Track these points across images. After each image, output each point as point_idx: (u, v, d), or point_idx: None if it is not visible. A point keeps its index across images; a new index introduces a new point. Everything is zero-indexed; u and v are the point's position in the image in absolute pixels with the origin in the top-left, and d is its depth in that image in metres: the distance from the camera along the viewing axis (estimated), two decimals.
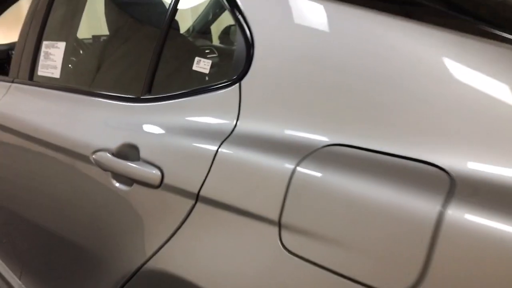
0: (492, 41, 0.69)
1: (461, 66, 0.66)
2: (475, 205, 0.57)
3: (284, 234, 0.72)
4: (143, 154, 0.99)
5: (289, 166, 0.73)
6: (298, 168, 0.72)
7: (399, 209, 0.61)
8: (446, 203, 0.58)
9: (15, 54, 1.69)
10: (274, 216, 0.73)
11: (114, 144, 1.06)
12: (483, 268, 0.54)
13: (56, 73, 1.46)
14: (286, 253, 0.71)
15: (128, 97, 1.14)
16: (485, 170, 0.60)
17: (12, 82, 1.64)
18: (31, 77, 1.55)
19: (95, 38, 1.95)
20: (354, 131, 0.72)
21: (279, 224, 0.73)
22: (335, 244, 0.66)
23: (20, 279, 1.76)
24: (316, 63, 0.79)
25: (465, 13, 0.82)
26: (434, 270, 0.57)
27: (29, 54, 1.56)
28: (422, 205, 0.59)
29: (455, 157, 0.62)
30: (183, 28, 1.53)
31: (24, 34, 1.64)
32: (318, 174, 0.70)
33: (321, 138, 0.75)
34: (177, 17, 1.17)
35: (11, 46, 2.52)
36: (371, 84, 0.72)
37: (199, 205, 0.86)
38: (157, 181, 0.93)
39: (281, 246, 0.72)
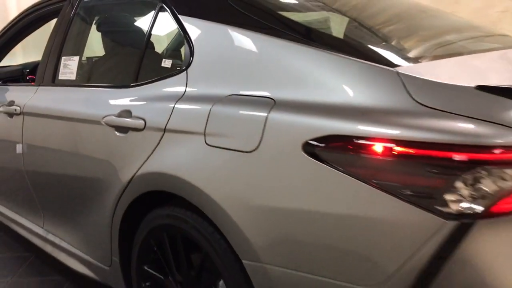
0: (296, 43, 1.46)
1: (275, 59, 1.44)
2: (283, 111, 1.33)
3: (208, 137, 1.48)
4: (133, 114, 1.75)
5: (209, 106, 1.50)
6: (213, 107, 1.49)
7: (251, 113, 1.38)
8: (270, 110, 1.35)
9: (39, 68, 2.44)
10: (202, 129, 1.49)
11: (116, 111, 1.81)
12: (294, 143, 1.31)
13: (72, 76, 2.23)
14: (208, 146, 1.47)
15: (123, 85, 1.90)
16: (287, 97, 1.38)
17: (39, 86, 2.39)
18: (53, 81, 2.31)
19: (91, 58, 2.73)
20: (239, 88, 1.50)
21: (204, 133, 1.49)
22: (230, 137, 1.42)
23: (43, 227, 2.47)
24: (224, 58, 1.58)
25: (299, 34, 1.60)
26: (267, 137, 1.33)
27: (52, 66, 2.32)
28: (259, 111, 1.36)
29: (275, 92, 1.40)
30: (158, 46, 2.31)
31: (46, 54, 2.40)
32: (223, 108, 1.47)
33: (225, 92, 1.52)
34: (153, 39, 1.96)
35: (24, 66, 3.28)
36: (246, 66, 1.51)
37: (166, 134, 1.62)
38: (142, 126, 1.69)
39: (205, 144, 1.48)
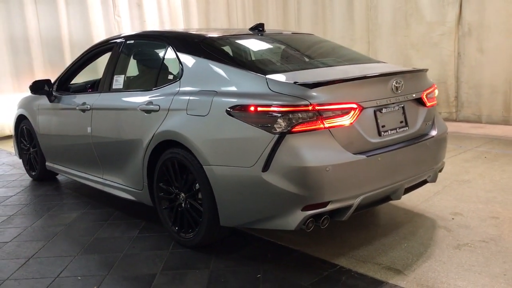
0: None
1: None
2: (219, 96, 2.97)
3: (188, 111, 3.12)
4: (153, 103, 3.41)
5: (189, 97, 3.15)
6: (191, 97, 3.14)
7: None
8: (214, 96, 2.99)
9: (101, 82, 4.16)
10: (185, 107, 3.14)
11: (145, 102, 3.48)
12: None
13: (121, 86, 3.93)
14: (188, 115, 3.11)
15: (148, 89, 3.58)
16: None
17: (101, 92, 4.11)
18: (109, 89, 4.02)
19: (130, 76, 4.44)
20: (203, 87, 3.15)
21: (186, 109, 3.13)
22: (197, 109, 3.07)
23: (102, 177, 4.16)
24: (197, 73, 3.24)
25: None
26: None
27: (109, 80, 4.03)
28: (209, 97, 3.00)
29: (217, 88, 3.04)
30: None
31: (105, 73, 4.12)
32: (195, 97, 3.12)
33: (196, 89, 3.16)
34: (164, 64, 3.65)
35: (87, 83, 5.02)
36: (206, 77, 3.16)
37: (169, 112, 3.26)
38: (158, 109, 3.35)
39: (187, 114, 3.13)
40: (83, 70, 4.73)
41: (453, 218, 3.61)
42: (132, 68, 4.14)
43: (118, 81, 3.98)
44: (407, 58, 7.68)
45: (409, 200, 3.95)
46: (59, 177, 5.38)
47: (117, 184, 3.94)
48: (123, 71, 4.04)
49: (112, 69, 4.06)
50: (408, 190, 3.27)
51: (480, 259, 2.95)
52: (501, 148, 5.82)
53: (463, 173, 4.79)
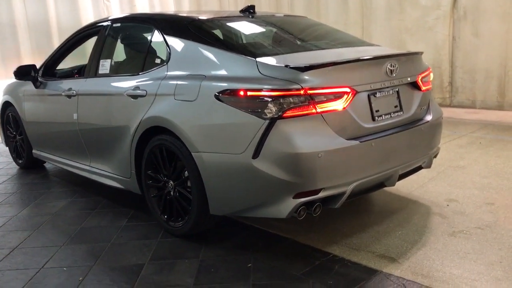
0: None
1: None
2: (208, 81, 2.86)
3: (175, 96, 3.01)
4: (140, 88, 3.30)
5: (176, 81, 3.04)
6: (178, 81, 3.03)
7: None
8: (202, 80, 2.88)
9: (87, 67, 4.03)
10: (172, 92, 3.03)
11: (132, 87, 3.37)
12: None
13: (107, 71, 3.80)
14: (176, 100, 3.00)
15: (135, 74, 3.46)
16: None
17: (87, 78, 3.98)
18: (95, 74, 3.89)
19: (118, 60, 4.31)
20: (191, 71, 3.03)
21: (174, 94, 3.02)
22: (184, 94, 2.96)
23: (89, 164, 4.05)
24: (185, 56, 3.12)
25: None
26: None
27: (95, 65, 3.90)
28: (198, 81, 2.89)
29: (206, 72, 2.93)
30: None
31: (91, 58, 3.98)
32: (183, 82, 3.01)
33: (184, 73, 3.05)
34: (151, 47, 3.52)
35: (74, 68, 4.88)
36: (194, 60, 3.04)
37: (156, 97, 3.15)
38: (145, 94, 3.23)
39: (174, 99, 3.02)
40: (72, 55, 4.59)
41: (448, 205, 3.55)
42: (119, 52, 4.02)
43: (105, 65, 3.85)
44: (401, 43, 7.57)
45: (403, 186, 3.88)
46: (47, 165, 5.27)
47: (104, 172, 3.83)
48: (110, 55, 3.92)
49: (98, 53, 3.93)
50: (402, 176, 3.20)
51: (475, 246, 2.89)
52: (495, 133, 5.75)
53: (458, 159, 4.72)
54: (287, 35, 3.64)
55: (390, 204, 3.64)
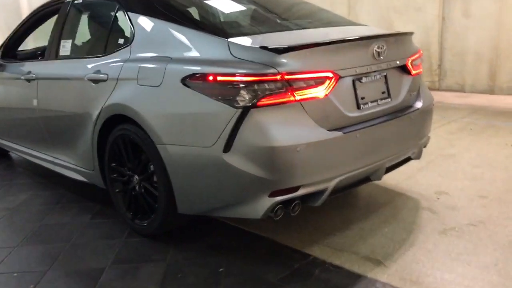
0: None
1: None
2: (174, 63, 2.53)
3: (138, 81, 2.69)
4: (101, 71, 2.97)
5: (139, 63, 2.71)
6: (142, 64, 2.70)
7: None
8: (168, 63, 2.56)
9: (47, 48, 3.66)
10: (135, 76, 2.70)
11: (92, 71, 3.03)
12: None
13: (68, 53, 3.45)
14: (139, 86, 2.68)
15: (97, 56, 3.12)
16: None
17: (47, 60, 3.62)
18: (56, 56, 3.53)
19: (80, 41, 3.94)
20: (156, 53, 2.70)
21: (137, 79, 2.70)
22: (148, 79, 2.64)
23: (52, 155, 3.71)
24: (149, 37, 2.79)
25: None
26: None
27: (55, 46, 3.54)
28: (162, 64, 2.57)
29: (172, 54, 2.60)
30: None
31: (51, 39, 3.62)
32: (146, 64, 2.68)
33: (149, 55, 2.72)
34: (114, 26, 3.17)
35: (37, 49, 4.50)
36: (160, 41, 2.71)
37: (118, 81, 2.83)
38: (106, 78, 2.91)
39: (137, 84, 2.69)
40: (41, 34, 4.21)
41: (438, 198, 3.30)
42: (82, 32, 3.66)
43: (66, 46, 3.50)
44: (389, 23, 7.27)
45: (391, 177, 3.61)
46: (13, 154, 4.91)
47: (67, 164, 3.51)
48: (71, 35, 3.56)
49: (59, 33, 3.57)
50: (389, 169, 2.93)
51: (468, 246, 2.65)
52: (486, 119, 5.52)
53: (448, 146, 4.48)
54: (267, 13, 3.31)
55: (376, 197, 3.39)
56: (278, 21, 3.12)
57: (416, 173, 3.78)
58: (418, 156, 3.13)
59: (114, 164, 3.02)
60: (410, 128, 2.93)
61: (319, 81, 2.40)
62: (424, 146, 3.21)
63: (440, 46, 6.96)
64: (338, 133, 2.45)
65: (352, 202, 3.34)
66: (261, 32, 2.75)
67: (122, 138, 2.87)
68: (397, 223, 2.95)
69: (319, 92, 2.40)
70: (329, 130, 2.43)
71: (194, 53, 2.55)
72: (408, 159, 3.07)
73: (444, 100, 6.47)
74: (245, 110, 2.28)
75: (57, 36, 3.57)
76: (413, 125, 2.94)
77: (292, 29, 2.96)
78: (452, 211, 3.09)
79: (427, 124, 3.13)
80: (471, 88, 6.79)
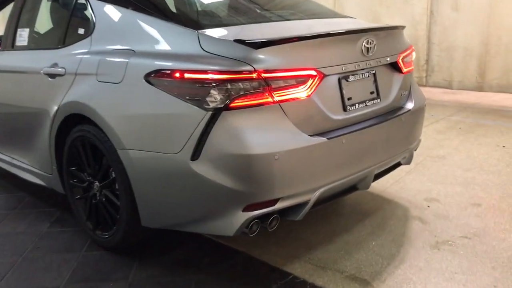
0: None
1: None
2: (138, 57, 2.23)
3: (98, 76, 2.37)
4: (59, 65, 2.64)
5: (100, 57, 2.39)
6: (102, 57, 2.38)
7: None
8: (131, 57, 2.25)
9: (3, 37, 3.31)
10: (95, 71, 2.39)
11: (49, 64, 2.70)
12: None
13: (25, 43, 3.11)
14: (98, 82, 2.37)
15: (54, 47, 2.79)
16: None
17: (3, 50, 3.27)
18: (13, 46, 3.19)
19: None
20: (118, 45, 2.39)
21: (96, 74, 2.38)
22: (109, 74, 2.32)
23: (9, 155, 3.37)
24: (112, 27, 2.47)
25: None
26: None
27: (12, 36, 3.19)
28: (124, 58, 2.26)
29: (136, 47, 2.29)
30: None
31: (7, 27, 3.27)
32: (107, 58, 2.36)
33: (110, 48, 2.41)
34: (73, 16, 2.84)
35: None
36: (123, 32, 2.39)
37: (77, 77, 2.51)
38: (63, 72, 2.58)
39: (97, 81, 2.38)
40: None
41: (428, 206, 3.06)
42: (42, 20, 3.31)
43: (23, 36, 3.16)
44: (375, 16, 7.02)
45: (378, 182, 3.30)
46: None
47: (25, 166, 3.18)
48: (30, 23, 3.22)
49: (16, 20, 3.22)
50: (378, 176, 2.67)
51: (463, 263, 2.41)
52: (475, 117, 5.31)
53: (437, 147, 4.25)
54: (248, 2, 3.00)
55: (362, 205, 3.13)
56: (258, 11, 2.81)
57: (405, 177, 3.53)
58: (408, 161, 2.89)
59: (73, 168, 2.71)
60: (400, 131, 2.67)
61: (301, 80, 2.12)
62: (415, 150, 2.96)
63: (428, 41, 6.74)
64: (322, 139, 2.17)
65: (337, 209, 3.08)
66: (237, 24, 2.46)
67: (81, 140, 2.56)
68: (385, 235, 2.70)
69: (301, 92, 2.12)
70: (311, 135, 2.15)
71: (160, 46, 2.24)
72: (397, 165, 2.82)
73: (432, 97, 6.25)
74: (216, 112, 1.99)
75: (13, 24, 3.23)
76: (404, 128, 2.69)
77: (273, 21, 2.66)
78: (444, 221, 2.85)
79: (418, 127, 2.88)
80: (459, 84, 6.59)
